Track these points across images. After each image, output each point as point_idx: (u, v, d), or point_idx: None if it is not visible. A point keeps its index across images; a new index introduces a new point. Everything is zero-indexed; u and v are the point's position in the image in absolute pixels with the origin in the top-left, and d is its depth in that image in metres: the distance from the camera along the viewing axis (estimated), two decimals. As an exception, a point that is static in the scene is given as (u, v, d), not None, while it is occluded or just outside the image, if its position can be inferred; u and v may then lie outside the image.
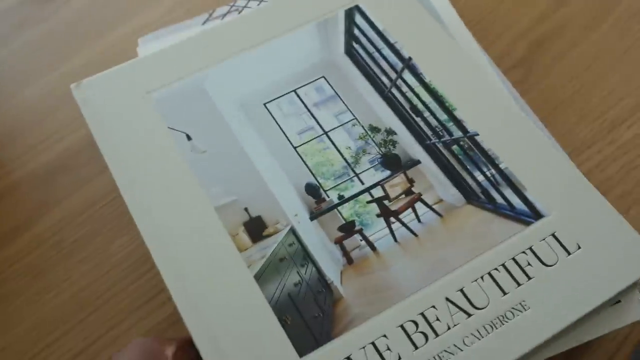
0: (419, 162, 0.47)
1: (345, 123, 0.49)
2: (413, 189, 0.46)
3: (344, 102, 0.50)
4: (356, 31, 0.53)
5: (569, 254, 0.42)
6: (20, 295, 0.50)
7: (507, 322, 0.40)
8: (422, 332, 0.40)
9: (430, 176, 0.47)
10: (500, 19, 0.59)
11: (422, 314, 0.41)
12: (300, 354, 0.39)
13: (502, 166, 0.46)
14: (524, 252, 0.42)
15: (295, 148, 0.48)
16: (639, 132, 0.54)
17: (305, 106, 0.50)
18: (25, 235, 0.53)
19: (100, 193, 0.54)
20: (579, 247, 0.42)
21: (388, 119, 0.49)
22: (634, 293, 0.43)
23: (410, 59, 0.51)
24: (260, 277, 0.42)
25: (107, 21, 0.63)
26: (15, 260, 0.51)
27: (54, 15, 0.64)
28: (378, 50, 0.52)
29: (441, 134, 0.48)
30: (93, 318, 0.49)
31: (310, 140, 0.48)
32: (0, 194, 0.55)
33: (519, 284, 0.41)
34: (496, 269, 0.42)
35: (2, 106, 0.59)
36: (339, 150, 0.48)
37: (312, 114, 0.49)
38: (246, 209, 0.45)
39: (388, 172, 0.47)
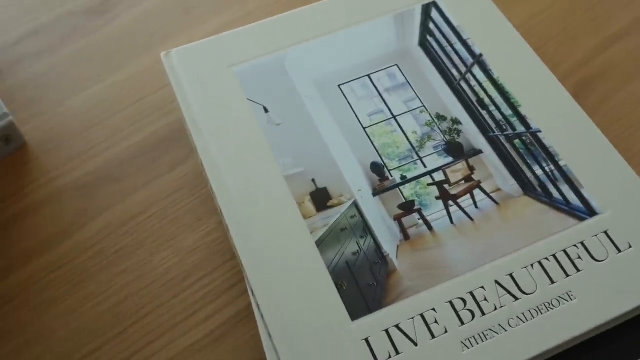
0: (481, 152, 0.49)
1: (414, 109, 0.52)
2: (473, 176, 0.48)
3: (414, 90, 0.52)
4: (431, 25, 0.55)
5: (620, 251, 0.44)
6: (59, 304, 0.49)
7: (552, 309, 0.42)
8: (469, 310, 0.42)
9: (491, 166, 0.49)
10: (547, 58, 0.60)
11: (471, 292, 0.43)
12: (353, 318, 0.42)
13: (561, 163, 0.48)
14: (575, 246, 0.44)
15: (364, 128, 0.50)
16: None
17: (377, 91, 0.52)
18: (66, 243, 0.52)
19: (143, 205, 0.53)
20: (630, 246, 0.44)
21: (455, 109, 0.51)
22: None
23: (481, 55, 0.53)
24: (322, 244, 0.44)
25: (155, 36, 0.63)
26: (55, 268, 0.50)
27: (104, 27, 0.64)
28: (451, 45, 0.54)
29: (504, 127, 0.50)
30: (132, 331, 0.48)
31: (379, 122, 0.51)
32: (43, 201, 0.54)
33: (567, 275, 0.43)
34: (547, 258, 0.44)
35: (49, 113, 0.58)
36: (405, 134, 0.51)
37: (383, 99, 0.52)
38: (313, 180, 0.48)
39: (450, 159, 0.49)
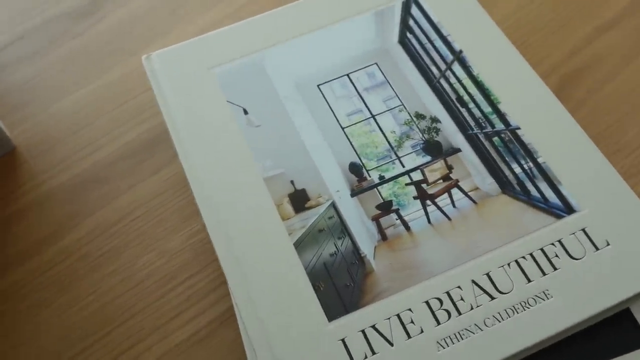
0: (459, 150, 0.49)
1: (393, 108, 0.51)
2: (451, 175, 0.48)
3: (393, 89, 0.52)
4: (411, 22, 0.55)
5: (597, 249, 0.44)
6: (47, 306, 0.50)
7: (528, 308, 0.42)
8: (445, 310, 0.42)
9: (469, 165, 0.49)
10: (534, 50, 0.59)
11: (447, 292, 0.43)
12: (330, 319, 0.42)
13: (540, 160, 0.47)
14: (552, 244, 0.44)
15: (343, 129, 0.50)
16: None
17: (356, 90, 0.52)
18: (53, 247, 0.52)
19: (129, 207, 0.54)
20: (608, 244, 0.44)
21: (434, 107, 0.51)
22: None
23: (460, 51, 0.53)
24: (300, 245, 0.45)
25: (141, 39, 0.63)
26: (42, 272, 0.51)
27: (89, 31, 0.64)
28: (430, 42, 0.54)
29: (484, 125, 0.50)
30: (118, 332, 0.49)
31: (358, 122, 0.51)
32: (30, 205, 0.54)
33: (544, 274, 0.43)
34: (524, 257, 0.44)
35: (36, 118, 0.59)
36: (384, 134, 0.51)
37: (362, 98, 0.52)
38: (292, 182, 0.48)
39: (429, 158, 0.49)
